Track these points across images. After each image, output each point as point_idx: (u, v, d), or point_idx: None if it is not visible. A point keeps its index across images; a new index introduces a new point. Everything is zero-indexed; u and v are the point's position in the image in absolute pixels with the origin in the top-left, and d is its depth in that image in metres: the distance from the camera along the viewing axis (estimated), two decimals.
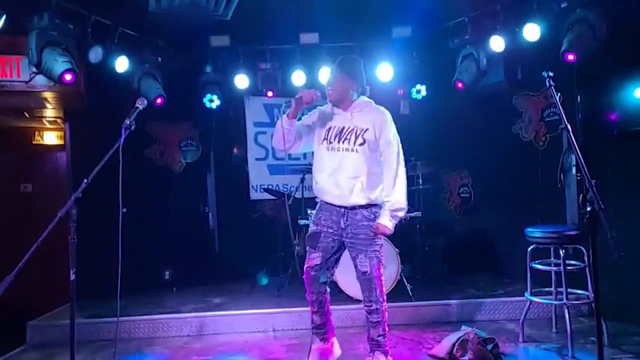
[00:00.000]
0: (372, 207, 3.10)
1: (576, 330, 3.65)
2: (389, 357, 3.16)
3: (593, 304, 3.63)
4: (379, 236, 3.10)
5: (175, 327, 4.41)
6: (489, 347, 3.43)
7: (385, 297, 3.13)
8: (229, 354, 3.88)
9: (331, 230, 3.14)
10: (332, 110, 3.20)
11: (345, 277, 4.19)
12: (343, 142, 3.07)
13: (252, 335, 4.31)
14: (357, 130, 3.06)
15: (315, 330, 3.35)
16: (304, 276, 3.29)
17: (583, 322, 4.19)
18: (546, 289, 3.97)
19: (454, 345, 3.45)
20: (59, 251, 2.96)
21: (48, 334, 4.32)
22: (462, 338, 3.46)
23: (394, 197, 3.04)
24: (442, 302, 4.53)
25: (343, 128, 3.10)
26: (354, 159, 3.04)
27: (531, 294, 3.86)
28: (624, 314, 3.97)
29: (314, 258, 3.19)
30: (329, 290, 3.29)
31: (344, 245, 3.17)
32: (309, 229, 3.28)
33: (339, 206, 3.10)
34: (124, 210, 2.76)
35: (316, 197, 3.29)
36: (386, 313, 3.12)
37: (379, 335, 3.12)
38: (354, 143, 3.04)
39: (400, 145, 3.14)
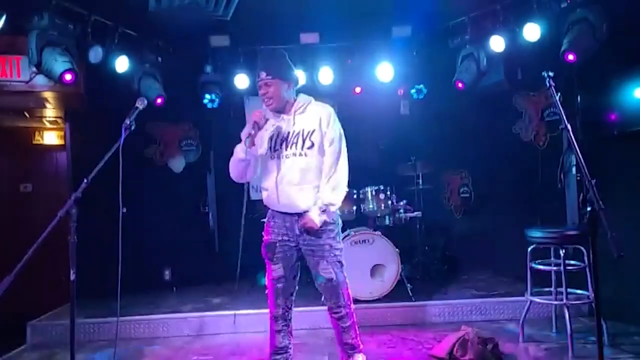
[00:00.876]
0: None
1: (576, 330, 3.64)
2: (363, 356, 3.05)
3: (593, 304, 3.62)
4: (339, 240, 2.97)
5: (175, 327, 4.41)
6: (489, 347, 3.43)
7: (351, 299, 3.01)
8: (228, 354, 3.88)
9: (286, 238, 2.96)
10: (273, 116, 3.00)
11: None
12: (290, 148, 2.91)
13: (252, 335, 4.30)
14: (303, 133, 2.91)
15: (274, 355, 3.03)
16: (266, 291, 3.04)
17: (583, 322, 4.18)
18: (546, 289, 3.97)
19: (454, 345, 3.45)
20: (59, 251, 2.97)
21: (48, 334, 4.32)
22: (462, 338, 3.46)
23: (325, 192, 2.88)
24: (442, 302, 4.53)
25: (288, 133, 2.93)
26: (302, 163, 2.88)
27: (531, 294, 3.86)
28: (624, 314, 3.96)
29: (277, 269, 2.96)
30: (293, 310, 3.09)
31: (300, 253, 2.99)
32: (264, 238, 3.04)
33: (289, 214, 2.94)
34: (124, 210, 2.76)
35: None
36: (354, 315, 3.01)
37: (352, 339, 3.00)
38: (302, 147, 2.89)
39: (343, 142, 2.99)
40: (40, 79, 4.62)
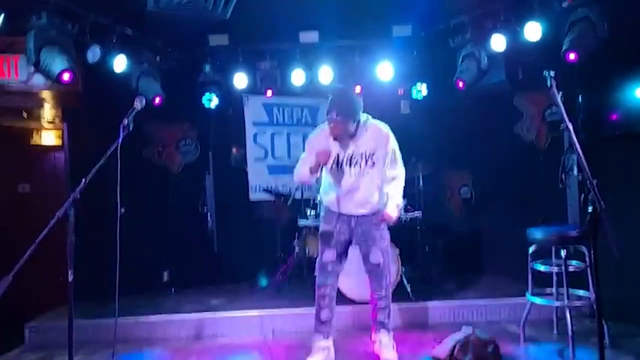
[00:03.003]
0: (379, 212, 3.48)
1: (577, 332, 3.62)
2: (391, 333, 3.55)
3: (594, 305, 3.60)
4: (386, 229, 3.54)
5: (174, 328, 4.39)
6: (490, 348, 3.41)
7: (391, 285, 3.59)
8: (227, 355, 3.86)
9: (342, 230, 3.47)
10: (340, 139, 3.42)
11: (346, 280, 4.18)
12: (354, 167, 3.38)
13: (251, 337, 4.29)
14: (366, 154, 3.37)
15: (319, 327, 3.53)
16: (315, 272, 3.56)
17: (584, 323, 4.17)
18: (547, 290, 3.95)
19: (454, 346, 3.43)
20: (57, 252, 2.94)
21: (46, 335, 4.30)
22: (463, 339, 3.44)
23: (398, 194, 3.51)
24: (443, 303, 4.52)
25: (352, 154, 3.38)
26: (366, 181, 3.39)
27: (532, 295, 3.85)
28: (625, 315, 3.95)
29: (330, 254, 3.47)
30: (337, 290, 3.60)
31: (351, 242, 3.53)
32: (321, 228, 3.57)
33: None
34: (122, 210, 2.74)
35: (316, 198, 3.60)
36: (390, 298, 3.54)
37: (384, 318, 3.51)
38: (365, 166, 3.37)
39: (399, 152, 3.55)
40: (38, 79, 4.61)
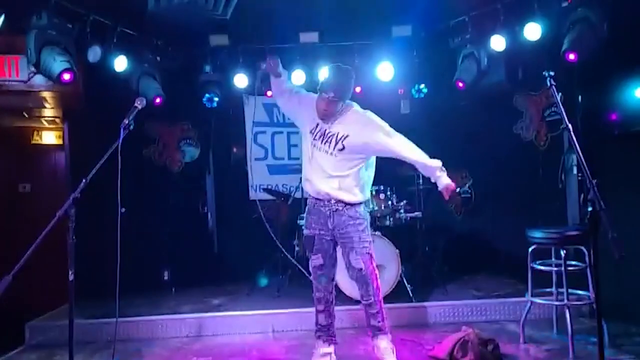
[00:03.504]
0: (354, 206, 3.27)
1: (577, 331, 3.63)
2: (389, 336, 3.39)
3: (594, 305, 3.61)
4: (367, 233, 3.30)
5: (174, 328, 4.39)
6: (490, 348, 3.42)
7: (380, 288, 3.34)
8: (228, 355, 3.86)
9: (323, 232, 3.32)
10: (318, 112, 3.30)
11: (345, 277, 4.17)
12: (324, 143, 3.24)
13: (251, 336, 4.29)
14: (338, 135, 3.21)
15: (319, 332, 3.45)
16: (311, 276, 3.46)
17: (584, 323, 4.17)
18: (547, 290, 3.96)
19: (454, 346, 3.43)
20: (58, 251, 2.95)
21: (47, 335, 4.31)
22: (462, 339, 3.44)
23: (428, 160, 3.21)
24: (443, 303, 4.53)
25: (327, 131, 3.25)
26: (330, 161, 3.22)
27: (532, 295, 3.85)
28: (625, 315, 3.95)
29: (316, 259, 3.37)
30: (334, 293, 3.49)
31: (337, 243, 3.37)
32: (303, 232, 3.49)
33: (325, 206, 3.28)
34: (123, 210, 2.74)
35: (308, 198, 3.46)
36: (382, 302, 3.35)
37: (378, 322, 3.33)
38: (334, 148, 3.20)
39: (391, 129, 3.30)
40: (38, 79, 4.62)
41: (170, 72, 5.46)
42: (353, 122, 3.25)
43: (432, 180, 3.26)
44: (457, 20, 5.05)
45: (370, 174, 3.45)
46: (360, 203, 3.31)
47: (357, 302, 4.38)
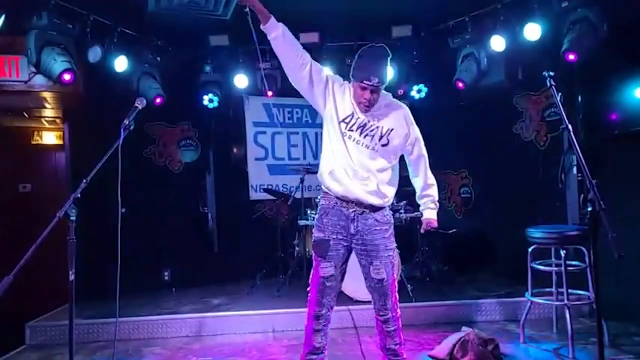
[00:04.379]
0: (382, 209, 2.86)
1: (577, 331, 3.63)
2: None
3: (594, 305, 3.61)
4: (392, 239, 2.90)
5: (174, 328, 4.40)
6: (490, 347, 3.42)
7: (398, 301, 2.91)
8: (228, 355, 3.86)
9: (340, 237, 2.83)
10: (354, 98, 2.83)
11: (348, 277, 4.16)
12: (365, 137, 2.78)
13: (251, 336, 4.29)
14: (382, 130, 2.80)
15: (310, 355, 2.93)
16: (310, 289, 2.96)
17: (584, 323, 4.18)
18: (547, 290, 3.96)
19: (454, 346, 3.44)
20: (58, 252, 2.95)
21: (47, 335, 4.31)
22: (462, 339, 3.45)
23: (432, 189, 3.07)
24: (443, 303, 4.53)
25: (368, 122, 2.79)
26: (371, 156, 2.79)
27: (532, 295, 3.85)
28: (624, 314, 3.96)
29: (327, 268, 2.84)
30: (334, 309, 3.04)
31: (350, 252, 2.91)
32: (314, 235, 2.93)
33: (348, 208, 2.82)
34: (123, 210, 2.74)
35: (317, 198, 3.15)
36: (401, 320, 2.91)
37: (395, 344, 2.86)
38: (377, 142, 2.79)
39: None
40: (39, 79, 4.61)
41: (170, 72, 5.47)
42: (396, 114, 2.86)
43: (420, 208, 3.07)
44: (457, 21, 5.06)
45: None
46: (387, 205, 2.92)
47: (357, 302, 4.41)
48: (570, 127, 2.47)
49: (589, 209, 2.26)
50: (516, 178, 5.29)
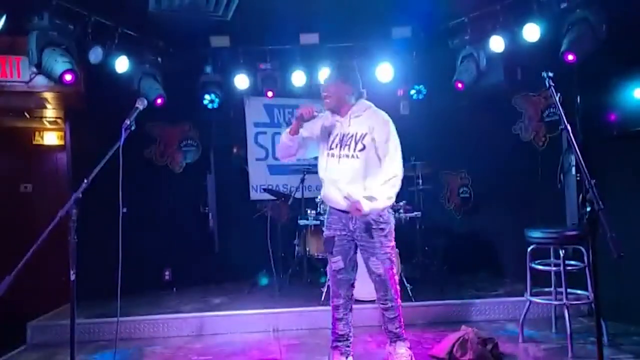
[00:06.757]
0: (375, 213, 3.04)
1: (576, 330, 3.65)
2: (407, 342, 3.28)
3: (593, 304, 3.63)
4: (390, 238, 3.16)
5: (175, 327, 4.41)
6: (489, 347, 3.43)
7: (399, 293, 3.25)
8: (228, 354, 3.88)
9: (344, 233, 3.17)
10: (333, 118, 3.22)
11: None
12: (343, 149, 3.09)
13: (252, 335, 4.30)
14: (356, 136, 3.08)
15: (336, 342, 3.27)
16: (328, 282, 3.34)
17: (583, 322, 4.19)
18: (546, 289, 3.97)
19: (453, 345, 3.45)
20: (59, 251, 2.97)
21: (48, 334, 4.32)
22: (462, 338, 3.46)
23: (384, 191, 3.02)
24: (442, 302, 4.54)
25: (344, 135, 3.12)
26: (353, 164, 3.06)
27: (531, 294, 3.87)
28: (623, 314, 3.97)
29: (336, 261, 3.20)
30: (354, 299, 3.34)
31: (357, 245, 3.20)
32: (324, 233, 3.29)
33: (344, 211, 3.12)
34: (124, 210, 2.76)
35: (317, 198, 3.34)
36: (401, 307, 3.24)
37: (396, 328, 3.23)
38: (354, 149, 3.06)
39: (399, 147, 3.12)
40: (40, 80, 4.63)
41: (171, 72, 5.48)
42: (368, 119, 3.12)
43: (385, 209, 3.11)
44: (457, 22, 5.07)
45: None
46: (383, 206, 3.05)
47: (357, 301, 4.42)
48: (569, 127, 2.48)
49: (588, 209, 2.27)
50: (515, 178, 5.30)
